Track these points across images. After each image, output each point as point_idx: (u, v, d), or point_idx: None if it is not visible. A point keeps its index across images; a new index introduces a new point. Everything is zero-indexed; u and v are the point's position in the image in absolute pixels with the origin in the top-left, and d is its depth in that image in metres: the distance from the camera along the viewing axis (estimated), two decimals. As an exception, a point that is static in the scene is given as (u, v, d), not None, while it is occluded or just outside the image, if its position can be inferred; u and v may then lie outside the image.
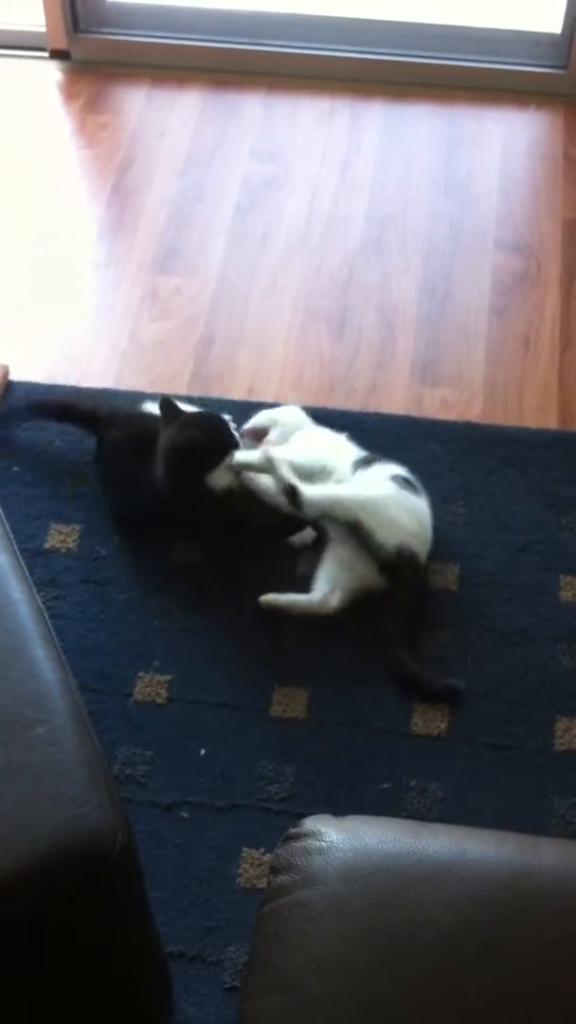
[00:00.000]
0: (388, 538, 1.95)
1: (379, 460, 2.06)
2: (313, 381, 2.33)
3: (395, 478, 2.02)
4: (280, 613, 1.97)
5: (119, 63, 2.92)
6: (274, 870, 1.09)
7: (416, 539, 1.99)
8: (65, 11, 2.87)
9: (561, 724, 1.87)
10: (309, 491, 1.96)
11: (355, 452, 2.10)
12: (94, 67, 2.92)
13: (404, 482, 2.02)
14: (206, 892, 1.71)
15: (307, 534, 2.04)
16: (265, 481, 1.99)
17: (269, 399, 2.27)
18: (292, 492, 1.95)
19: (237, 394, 2.29)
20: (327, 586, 1.97)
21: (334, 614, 1.96)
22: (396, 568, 1.96)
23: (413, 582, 1.98)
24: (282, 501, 1.97)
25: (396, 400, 2.30)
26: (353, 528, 1.96)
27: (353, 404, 2.28)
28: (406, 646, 1.93)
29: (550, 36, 2.85)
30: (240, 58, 2.89)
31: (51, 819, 1.21)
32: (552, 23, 2.83)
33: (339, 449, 2.10)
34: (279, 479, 1.96)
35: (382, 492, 1.99)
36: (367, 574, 1.97)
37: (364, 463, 2.06)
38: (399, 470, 2.04)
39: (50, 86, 2.90)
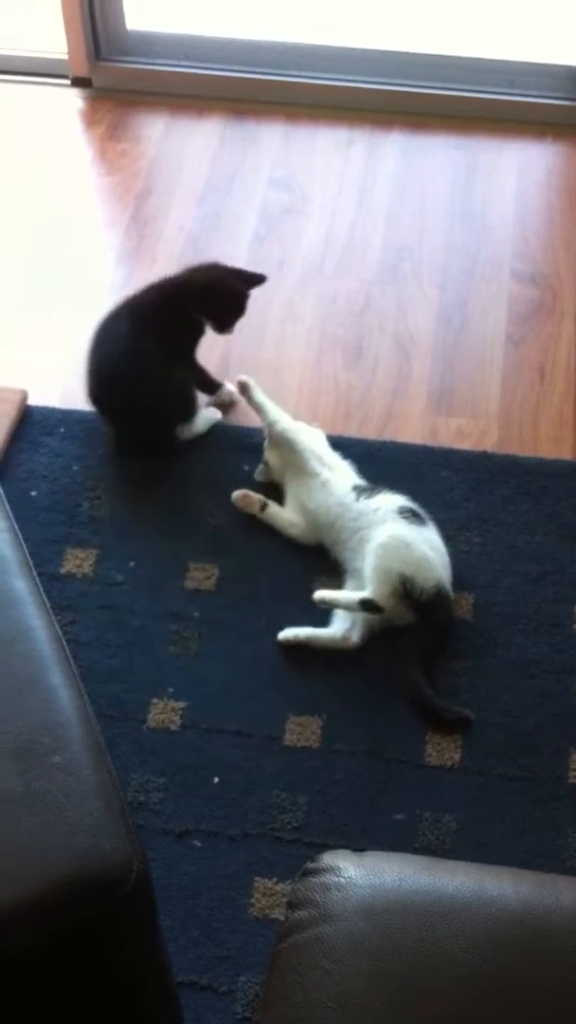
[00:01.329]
0: (427, 579, 1.94)
1: (380, 489, 2.06)
2: (328, 408, 2.34)
3: (402, 512, 2.01)
4: (303, 646, 1.97)
5: (139, 91, 2.95)
6: (292, 905, 1.09)
7: (445, 571, 1.99)
8: (87, 39, 2.90)
9: (575, 756, 1.86)
10: (379, 593, 1.92)
11: (353, 476, 2.12)
12: (115, 95, 2.95)
13: (412, 515, 2.02)
14: (218, 921, 1.71)
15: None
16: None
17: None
18: (371, 604, 1.92)
19: (254, 420, 2.29)
20: (347, 622, 1.97)
21: (355, 649, 1.96)
22: (432, 605, 1.95)
23: (444, 616, 1.98)
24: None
25: (411, 428, 2.31)
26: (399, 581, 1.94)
27: (368, 432, 2.29)
28: (423, 673, 1.92)
29: (567, 68, 2.87)
30: (259, 87, 2.92)
31: (67, 848, 1.22)
32: (569, 55, 2.85)
33: (341, 471, 2.12)
34: (348, 605, 1.95)
35: (404, 535, 1.96)
36: (395, 610, 1.95)
37: (366, 491, 2.06)
38: (403, 501, 2.04)
39: (71, 113, 2.93)
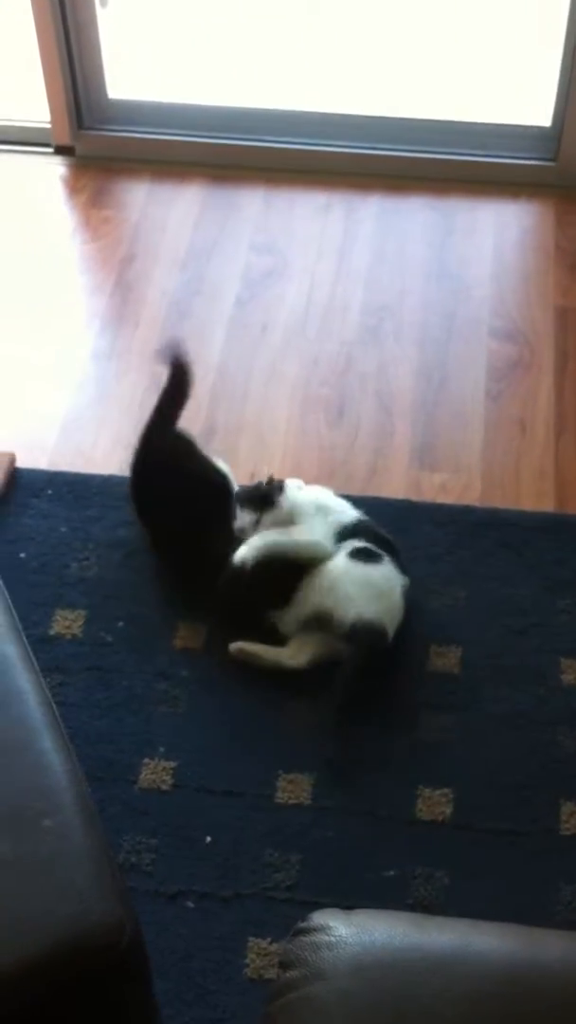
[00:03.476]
0: (345, 614, 1.99)
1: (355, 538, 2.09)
2: (312, 467, 2.37)
3: (351, 552, 2.05)
4: (250, 661, 2.03)
5: (122, 159, 3.01)
6: (283, 965, 1.09)
7: (371, 606, 2.01)
8: (69, 108, 2.97)
9: (566, 808, 1.87)
10: (294, 614, 2.04)
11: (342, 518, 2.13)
12: (97, 162, 3.01)
13: (359, 553, 2.05)
14: (212, 983, 1.70)
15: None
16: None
17: (270, 485, 2.30)
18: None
19: (238, 480, 2.32)
20: (296, 645, 2.04)
21: (300, 669, 2.02)
22: (355, 637, 1.99)
23: (371, 646, 2.00)
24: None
25: (395, 484, 2.33)
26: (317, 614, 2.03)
27: (352, 489, 2.32)
28: (346, 701, 1.97)
29: (540, 129, 2.93)
30: (239, 154, 2.98)
31: (58, 912, 1.22)
32: (542, 116, 2.92)
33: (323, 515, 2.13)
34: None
35: (334, 573, 2.03)
36: (332, 642, 2.02)
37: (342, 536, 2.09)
38: (357, 543, 2.07)
39: (55, 181, 2.99)
